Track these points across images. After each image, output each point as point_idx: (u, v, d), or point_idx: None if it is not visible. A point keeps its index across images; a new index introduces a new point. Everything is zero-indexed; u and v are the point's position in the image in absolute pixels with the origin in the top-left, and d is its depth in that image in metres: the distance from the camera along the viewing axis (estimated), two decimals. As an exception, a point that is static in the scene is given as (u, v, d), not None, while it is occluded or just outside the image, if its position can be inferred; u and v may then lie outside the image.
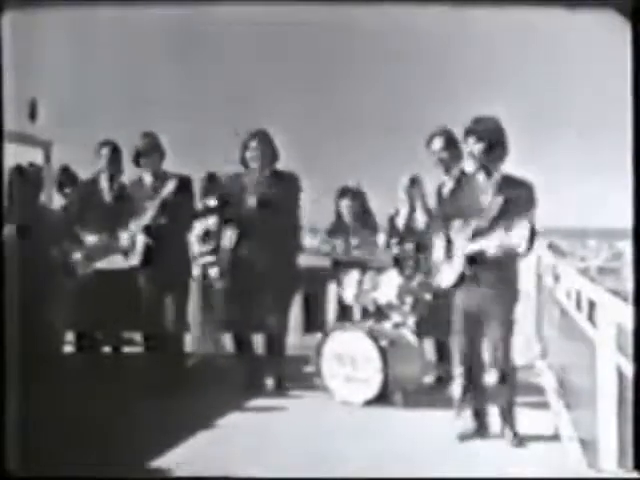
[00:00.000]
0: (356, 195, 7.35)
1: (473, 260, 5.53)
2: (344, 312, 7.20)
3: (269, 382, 6.89)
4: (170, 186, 6.76)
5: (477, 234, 5.51)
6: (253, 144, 6.90)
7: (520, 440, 5.58)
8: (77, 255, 7.13)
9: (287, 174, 6.99)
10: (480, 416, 5.72)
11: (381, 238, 7.17)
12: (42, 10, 5.12)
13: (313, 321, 8.03)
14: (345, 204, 7.34)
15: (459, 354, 5.70)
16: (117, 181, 7.32)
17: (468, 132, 5.56)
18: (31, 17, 5.17)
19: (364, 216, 7.35)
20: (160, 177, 6.88)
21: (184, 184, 6.86)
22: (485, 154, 5.50)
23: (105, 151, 7.27)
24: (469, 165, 5.62)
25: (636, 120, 4.68)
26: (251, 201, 6.89)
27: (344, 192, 7.37)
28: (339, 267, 7.26)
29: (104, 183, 7.32)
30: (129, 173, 7.29)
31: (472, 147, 5.53)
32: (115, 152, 7.28)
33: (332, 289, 7.36)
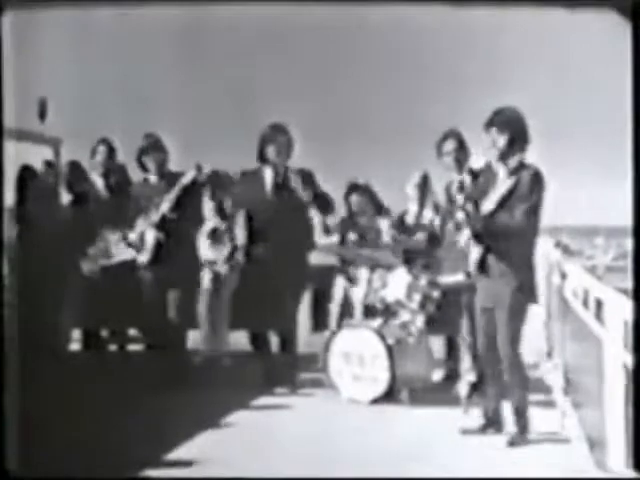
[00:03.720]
0: (365, 190, 7.33)
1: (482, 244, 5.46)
2: (352, 310, 7.19)
3: (283, 380, 6.86)
4: (189, 176, 6.72)
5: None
6: (282, 139, 6.80)
7: (519, 440, 5.50)
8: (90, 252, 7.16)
9: (303, 171, 6.93)
10: (492, 414, 5.68)
11: (389, 235, 7.16)
12: (42, 10, 5.12)
13: (321, 319, 8.02)
14: (354, 200, 7.31)
15: (470, 351, 5.67)
16: (114, 178, 7.36)
17: (490, 123, 5.49)
18: (31, 17, 5.17)
19: (373, 212, 7.32)
20: (166, 177, 6.86)
21: (201, 177, 6.83)
22: (508, 145, 5.46)
23: (100, 149, 7.32)
24: (491, 156, 5.54)
25: (636, 120, 4.67)
26: (271, 197, 6.86)
27: (353, 188, 7.34)
28: (348, 265, 7.25)
29: (98, 181, 7.36)
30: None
31: (495, 138, 5.46)
32: (110, 150, 7.33)
33: (338, 287, 7.34)
